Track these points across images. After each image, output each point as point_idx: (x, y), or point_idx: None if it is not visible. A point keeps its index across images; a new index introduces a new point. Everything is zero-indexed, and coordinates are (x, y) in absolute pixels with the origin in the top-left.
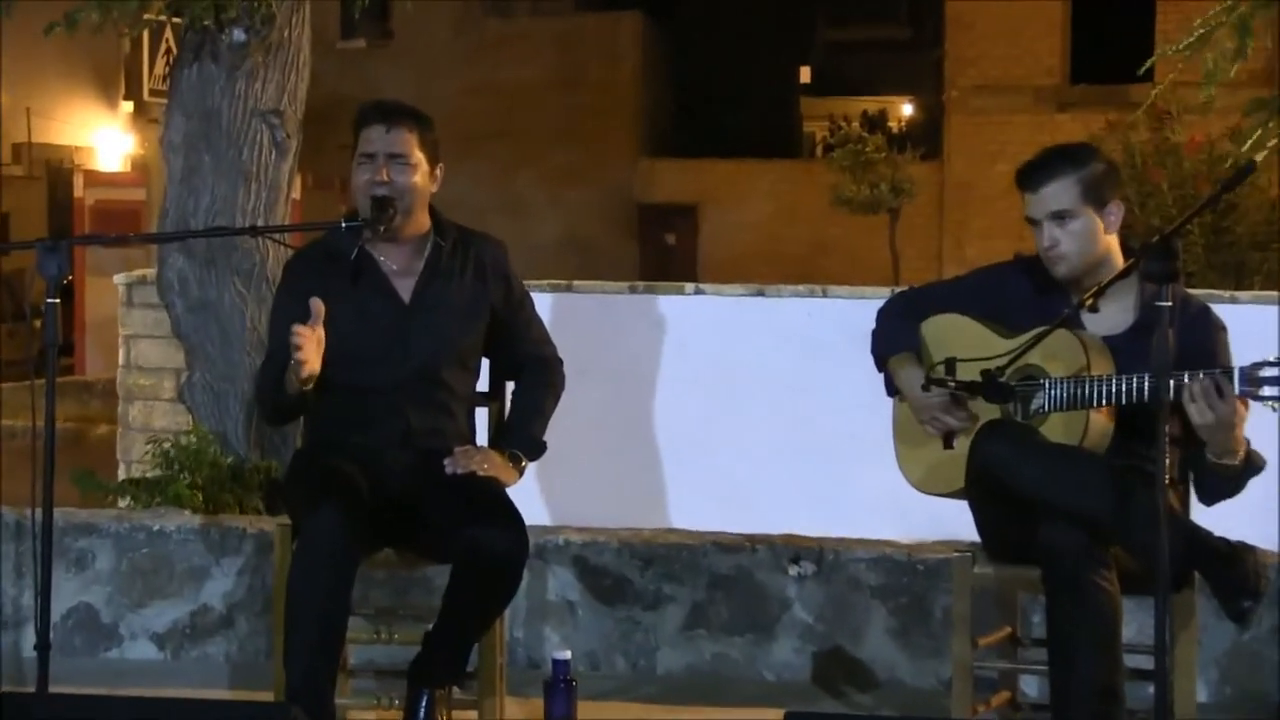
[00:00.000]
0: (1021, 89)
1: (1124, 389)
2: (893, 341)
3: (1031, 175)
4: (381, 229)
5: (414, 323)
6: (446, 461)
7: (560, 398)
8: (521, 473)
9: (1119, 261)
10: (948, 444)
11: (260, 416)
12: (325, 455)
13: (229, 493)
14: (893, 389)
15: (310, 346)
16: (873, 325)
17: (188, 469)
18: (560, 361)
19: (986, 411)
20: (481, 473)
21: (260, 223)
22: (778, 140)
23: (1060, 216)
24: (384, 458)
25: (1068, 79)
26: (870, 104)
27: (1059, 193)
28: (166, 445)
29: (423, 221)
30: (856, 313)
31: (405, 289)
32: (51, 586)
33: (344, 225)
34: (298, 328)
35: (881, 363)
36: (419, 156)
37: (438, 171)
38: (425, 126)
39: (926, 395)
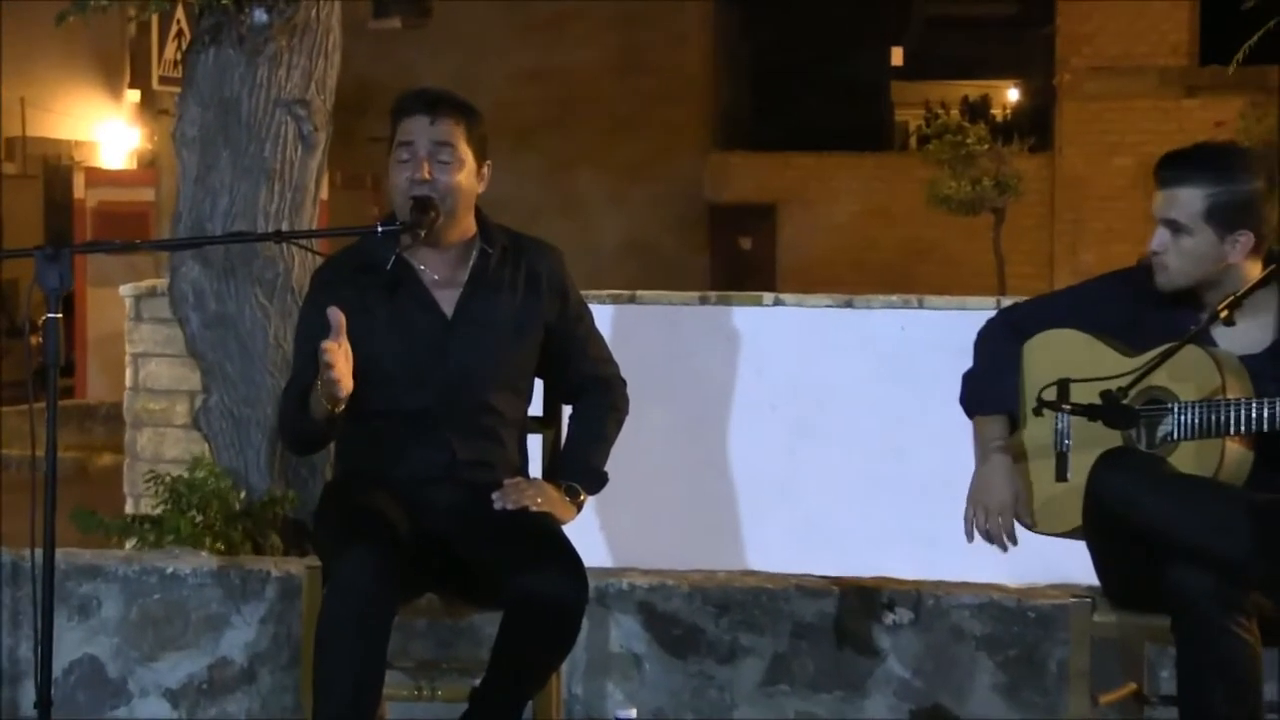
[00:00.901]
0: (1144, 71)
1: (1266, 414)
2: (985, 392)
3: (1164, 170)
4: (422, 233)
5: (458, 340)
6: (495, 496)
7: (623, 423)
8: (579, 508)
9: (1248, 276)
10: (1061, 475)
11: (283, 445)
12: (358, 489)
13: (237, 530)
14: None
15: (343, 363)
16: (972, 349)
17: (194, 506)
18: (623, 382)
19: (1106, 439)
20: (534, 508)
21: (285, 226)
22: (867, 131)
23: (1175, 227)
24: (424, 492)
25: (1197, 59)
26: (971, 89)
27: (1182, 202)
28: (168, 479)
29: (468, 226)
30: (957, 326)
31: (448, 302)
32: (53, 637)
33: (380, 229)
34: (326, 344)
35: (969, 414)
36: (465, 152)
37: (485, 169)
38: (473, 119)
39: (990, 485)
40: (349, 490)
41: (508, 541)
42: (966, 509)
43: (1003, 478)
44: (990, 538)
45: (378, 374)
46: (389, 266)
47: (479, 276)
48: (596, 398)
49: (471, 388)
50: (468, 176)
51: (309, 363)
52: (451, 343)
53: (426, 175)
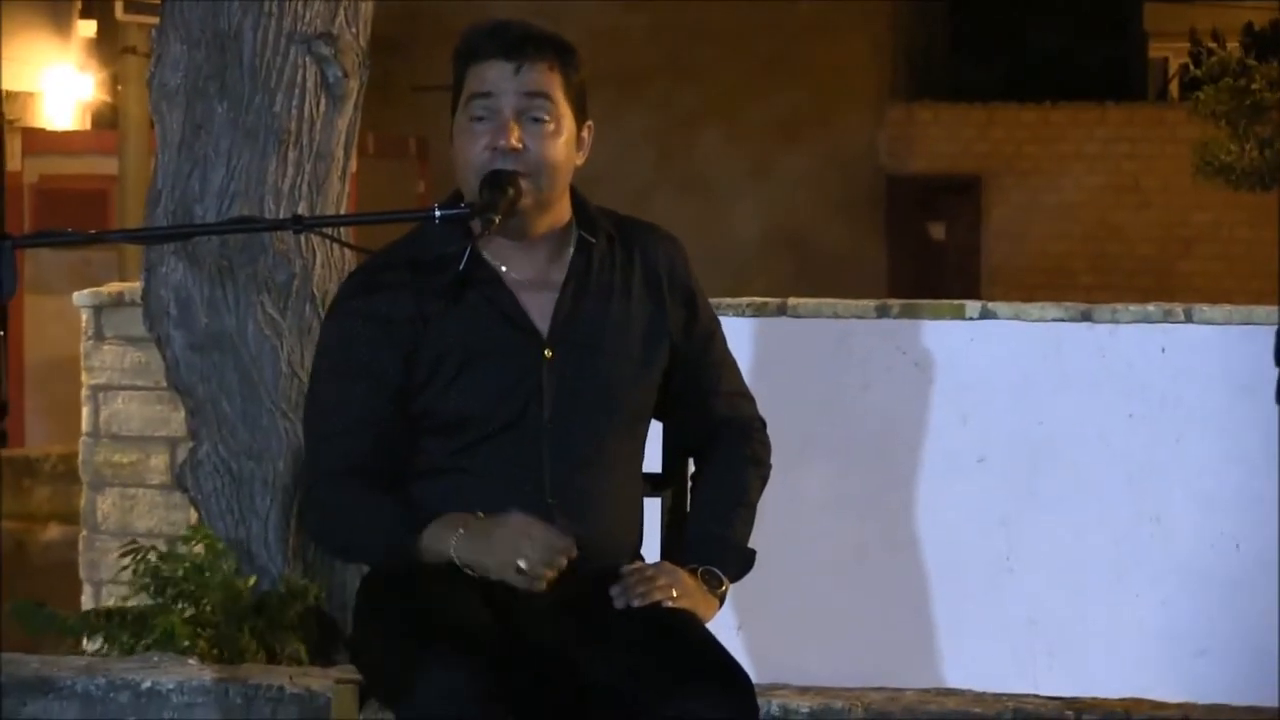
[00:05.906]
0: None
1: None
2: None
3: None
4: (496, 219)
5: (557, 363)
6: (614, 591)
7: (767, 481)
8: (722, 600)
9: None
10: None
11: (308, 528)
12: (423, 578)
13: (248, 632)
14: None
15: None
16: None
17: (186, 596)
18: (762, 424)
19: None
20: (670, 603)
21: (304, 209)
22: (1109, 72)
23: None
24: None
25: None
26: (1258, 12)
27: None
28: (152, 557)
29: (562, 211)
30: (1238, 347)
31: (541, 313)
32: None
33: (438, 214)
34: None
35: None
36: (564, 109)
37: (585, 133)
38: (570, 63)
39: None
40: (408, 579)
41: (641, 651)
42: None
43: None
44: None
45: (443, 415)
46: (461, 264)
47: (580, 277)
48: (732, 448)
49: (577, 430)
50: (567, 143)
51: (350, 424)
52: (548, 368)
53: (517, 142)
